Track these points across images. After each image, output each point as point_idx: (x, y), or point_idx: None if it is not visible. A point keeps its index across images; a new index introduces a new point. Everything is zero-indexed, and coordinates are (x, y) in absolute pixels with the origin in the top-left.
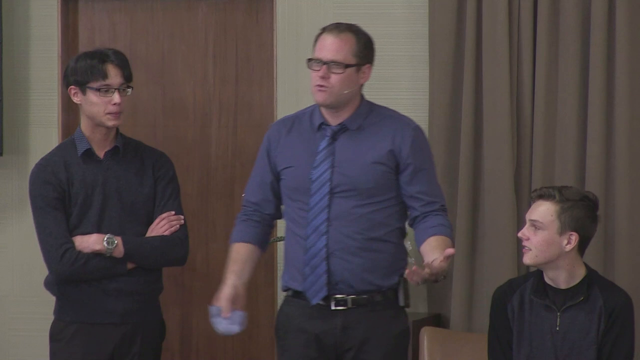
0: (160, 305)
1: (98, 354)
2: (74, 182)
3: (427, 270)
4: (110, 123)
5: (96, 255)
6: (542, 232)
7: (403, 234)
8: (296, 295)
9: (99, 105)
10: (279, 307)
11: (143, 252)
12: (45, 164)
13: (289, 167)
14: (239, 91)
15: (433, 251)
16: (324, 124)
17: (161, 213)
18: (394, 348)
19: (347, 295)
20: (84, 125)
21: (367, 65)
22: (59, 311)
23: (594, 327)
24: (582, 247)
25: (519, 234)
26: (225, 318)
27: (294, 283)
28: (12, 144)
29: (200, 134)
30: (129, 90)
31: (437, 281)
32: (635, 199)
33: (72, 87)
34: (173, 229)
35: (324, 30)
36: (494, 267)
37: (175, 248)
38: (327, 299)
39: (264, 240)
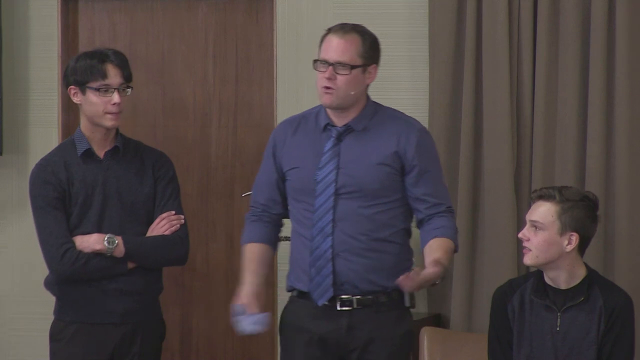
0: (160, 305)
1: (98, 354)
2: (74, 182)
3: (418, 277)
4: (109, 123)
5: (97, 254)
6: (542, 233)
7: (408, 234)
8: (301, 295)
9: (98, 105)
10: (279, 307)
11: (144, 252)
12: (45, 164)
13: (294, 168)
14: (239, 91)
15: (432, 254)
16: (329, 125)
17: (161, 213)
18: (399, 349)
19: (353, 296)
20: (84, 126)
21: (373, 66)
22: (59, 311)
23: (594, 328)
24: (582, 247)
25: (519, 235)
26: (249, 316)
27: (299, 284)
28: (12, 143)
29: (200, 134)
30: (129, 90)
31: (436, 284)
32: (635, 199)
33: (71, 87)
34: (173, 228)
35: (330, 31)
36: (494, 267)
37: (176, 247)
38: (332, 299)
39: (275, 240)
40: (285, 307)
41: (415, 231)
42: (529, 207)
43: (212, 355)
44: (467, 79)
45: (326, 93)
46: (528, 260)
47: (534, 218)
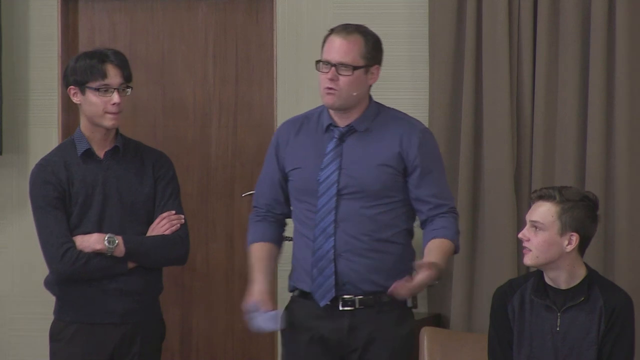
0: (160, 305)
1: (98, 354)
2: (74, 182)
3: (411, 283)
4: (109, 123)
5: (97, 254)
6: (542, 233)
7: (411, 235)
8: (303, 295)
9: (98, 105)
10: (280, 307)
11: (144, 251)
12: (45, 164)
13: (297, 168)
14: (239, 91)
15: (427, 256)
16: (332, 125)
17: (161, 212)
18: (401, 349)
19: (355, 296)
20: (84, 126)
21: (376, 66)
22: (59, 311)
23: (595, 328)
24: (582, 247)
25: (520, 235)
26: (264, 314)
27: (301, 284)
28: (12, 143)
29: (200, 134)
30: (129, 90)
31: (435, 284)
32: (635, 199)
33: (71, 87)
34: (174, 228)
35: (332, 31)
36: (494, 267)
37: (176, 247)
38: (334, 299)
39: (280, 239)
40: (287, 307)
41: (418, 231)
42: (529, 207)
43: (212, 355)
44: (467, 79)
45: (328, 94)
46: (528, 260)
47: (534, 218)
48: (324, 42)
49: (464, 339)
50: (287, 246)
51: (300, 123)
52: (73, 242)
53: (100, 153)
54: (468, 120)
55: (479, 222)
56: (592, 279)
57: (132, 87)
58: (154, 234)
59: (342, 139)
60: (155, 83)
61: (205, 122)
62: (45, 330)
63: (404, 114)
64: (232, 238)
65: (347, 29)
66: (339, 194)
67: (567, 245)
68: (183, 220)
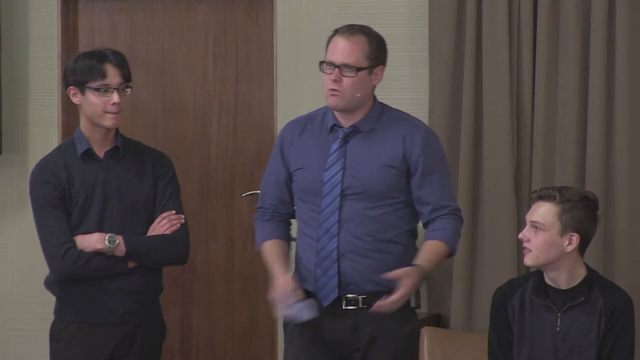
0: (161, 305)
1: (98, 354)
2: (74, 182)
3: (393, 298)
4: (109, 123)
5: (98, 254)
6: (543, 233)
7: (414, 236)
8: (307, 294)
9: (98, 105)
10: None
11: (144, 251)
12: (45, 164)
13: (301, 168)
14: (239, 91)
15: (417, 257)
16: (336, 126)
17: (162, 212)
18: (403, 349)
19: (358, 295)
20: (84, 126)
21: (380, 67)
22: (59, 311)
23: (595, 328)
24: (582, 247)
25: (520, 236)
26: (299, 303)
27: (305, 284)
28: (12, 143)
29: (200, 134)
30: (128, 90)
31: (430, 282)
32: (635, 199)
33: (71, 87)
34: (174, 227)
35: (336, 32)
36: (494, 267)
37: (177, 246)
38: (337, 298)
39: (289, 237)
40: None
41: (421, 232)
42: (529, 207)
43: (212, 355)
44: (467, 79)
45: (332, 95)
46: (528, 260)
47: (534, 219)
48: (328, 42)
49: (464, 339)
50: (291, 246)
51: (305, 123)
52: (74, 242)
53: (100, 153)
54: (468, 120)
55: (479, 222)
56: (592, 279)
57: (131, 87)
58: (154, 233)
59: (346, 140)
60: (155, 83)
61: (205, 122)
62: (45, 330)
63: (408, 114)
64: (232, 238)
65: (350, 30)
66: (342, 194)
67: (567, 246)
68: (183, 220)
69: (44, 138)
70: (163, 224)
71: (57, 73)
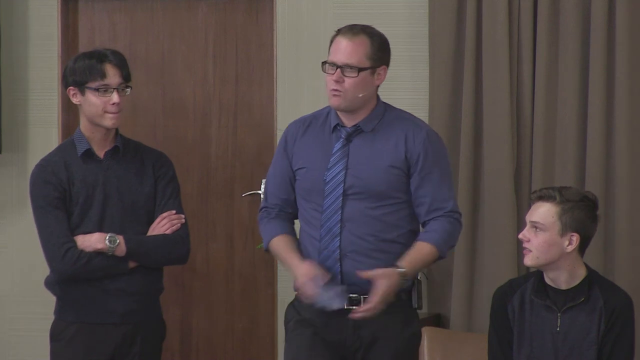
0: (161, 305)
1: (99, 354)
2: (74, 182)
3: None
4: (109, 123)
5: (98, 254)
6: (543, 234)
7: (416, 236)
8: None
9: (97, 105)
10: (280, 306)
11: (145, 251)
12: (45, 164)
13: (303, 167)
14: (239, 91)
15: (403, 258)
16: (339, 125)
17: (162, 212)
18: (404, 350)
19: (360, 295)
20: (84, 126)
21: (383, 67)
22: (59, 311)
23: (595, 328)
24: (582, 247)
25: (520, 236)
26: (329, 291)
27: None
28: (12, 142)
29: (200, 134)
30: (128, 90)
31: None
32: (635, 199)
33: (70, 87)
34: (174, 227)
35: (339, 32)
36: (494, 267)
37: (177, 246)
38: None
39: (295, 235)
40: (291, 304)
41: None
42: (529, 207)
43: (212, 355)
44: (467, 79)
45: (334, 95)
46: (528, 261)
47: (534, 219)
48: (331, 43)
49: (464, 339)
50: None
51: (309, 123)
52: (74, 242)
53: (100, 153)
54: (468, 120)
55: (479, 222)
56: (592, 279)
57: (131, 87)
58: (154, 233)
59: (348, 139)
60: (155, 83)
61: (205, 122)
62: (45, 330)
63: (410, 114)
64: (232, 238)
65: (353, 30)
66: (345, 194)
67: (567, 246)
68: (184, 220)
69: (44, 138)
70: (163, 224)
71: (57, 73)
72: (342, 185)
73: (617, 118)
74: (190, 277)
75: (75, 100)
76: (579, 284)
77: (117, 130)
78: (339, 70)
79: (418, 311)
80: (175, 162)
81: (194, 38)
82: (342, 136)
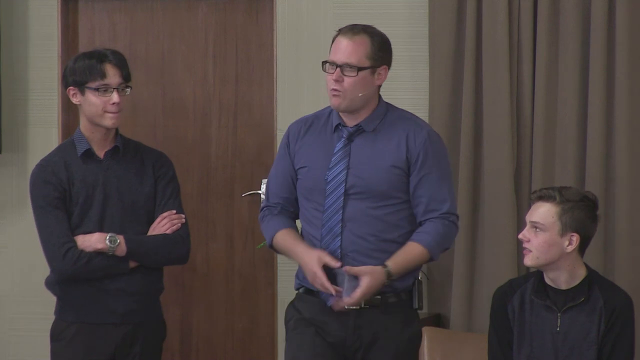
0: (161, 305)
1: (99, 354)
2: (74, 182)
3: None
4: (109, 123)
5: (98, 254)
6: (543, 234)
7: None
8: (309, 292)
9: (97, 105)
10: (279, 306)
11: (145, 251)
12: (45, 164)
13: (305, 167)
14: (239, 91)
15: (392, 258)
16: (340, 125)
17: (162, 212)
18: (404, 350)
19: None
20: (84, 126)
21: (383, 67)
22: (60, 311)
23: (595, 328)
24: (582, 247)
25: (520, 236)
26: (347, 282)
27: (308, 282)
28: (12, 142)
29: (200, 134)
30: (128, 90)
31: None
32: (635, 199)
33: (70, 87)
34: (175, 227)
35: (340, 32)
36: (494, 267)
37: (178, 246)
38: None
39: (298, 231)
40: (292, 303)
41: None
42: (529, 207)
43: (212, 355)
44: (467, 79)
45: (334, 96)
46: (528, 261)
47: (534, 219)
48: (332, 42)
49: (464, 339)
50: None
51: (311, 122)
52: (74, 242)
53: (100, 153)
54: (468, 120)
55: (479, 222)
56: (592, 279)
57: (131, 87)
58: (155, 233)
59: (350, 139)
60: (155, 83)
61: (205, 122)
62: (45, 330)
63: (412, 114)
64: (232, 238)
65: (353, 30)
66: (346, 193)
67: (567, 246)
68: (184, 220)
69: (44, 138)
70: (164, 224)
71: (57, 73)
72: (344, 185)
73: (617, 118)
74: (190, 277)
75: (75, 100)
76: (579, 284)
77: (117, 130)
78: (338, 69)
79: (419, 311)
80: (175, 162)
81: (194, 38)
82: (344, 136)
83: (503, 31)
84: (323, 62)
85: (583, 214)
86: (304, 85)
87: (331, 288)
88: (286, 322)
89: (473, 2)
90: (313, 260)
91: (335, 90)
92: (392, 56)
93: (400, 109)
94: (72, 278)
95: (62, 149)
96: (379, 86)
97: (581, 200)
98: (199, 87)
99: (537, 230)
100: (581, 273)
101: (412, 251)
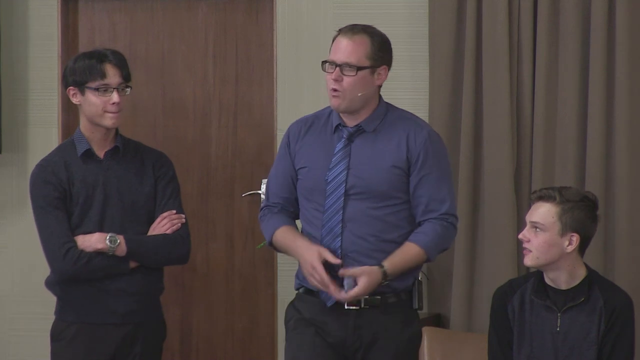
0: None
1: (99, 354)
2: (74, 182)
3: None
4: (109, 123)
5: (99, 254)
6: (543, 234)
7: None
8: (309, 292)
9: (98, 105)
10: (279, 306)
11: (146, 251)
12: (45, 164)
13: (305, 167)
14: (239, 91)
15: (388, 258)
16: (340, 125)
17: (162, 212)
18: (404, 351)
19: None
20: (84, 126)
21: (383, 67)
22: (60, 311)
23: (595, 328)
24: (582, 247)
25: (520, 236)
26: (348, 279)
27: (308, 282)
28: (12, 142)
29: (200, 134)
30: (128, 90)
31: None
32: (635, 199)
33: (70, 87)
34: (175, 227)
35: (340, 32)
36: (494, 267)
37: (178, 246)
38: None
39: (298, 228)
40: (292, 303)
41: None
42: (529, 207)
43: (212, 355)
44: (467, 79)
45: (334, 96)
46: (528, 261)
47: (534, 219)
48: (332, 42)
49: (464, 339)
50: None
51: (311, 122)
52: (74, 242)
53: (100, 153)
54: (468, 120)
55: (479, 222)
56: (592, 280)
57: (131, 87)
58: (155, 233)
59: (350, 139)
60: (155, 83)
61: (205, 122)
62: (45, 330)
63: (412, 114)
64: (232, 238)
65: (353, 30)
66: (346, 194)
67: (567, 246)
68: (184, 220)
69: (44, 138)
70: (164, 224)
71: (57, 73)
72: (344, 185)
73: (617, 118)
74: (190, 277)
75: (75, 100)
76: (579, 284)
77: (117, 130)
78: (338, 69)
79: (419, 311)
80: (175, 162)
81: (194, 38)
82: (344, 136)
83: (503, 31)
84: (323, 61)
85: (583, 214)
86: (304, 85)
87: (330, 284)
88: (286, 322)
89: (473, 2)
90: (313, 255)
91: (335, 90)
92: (392, 56)
93: (400, 109)
94: (72, 278)
95: (62, 149)
96: (379, 86)
97: (581, 200)
98: (199, 87)
99: (537, 230)
100: (581, 273)
101: (409, 251)
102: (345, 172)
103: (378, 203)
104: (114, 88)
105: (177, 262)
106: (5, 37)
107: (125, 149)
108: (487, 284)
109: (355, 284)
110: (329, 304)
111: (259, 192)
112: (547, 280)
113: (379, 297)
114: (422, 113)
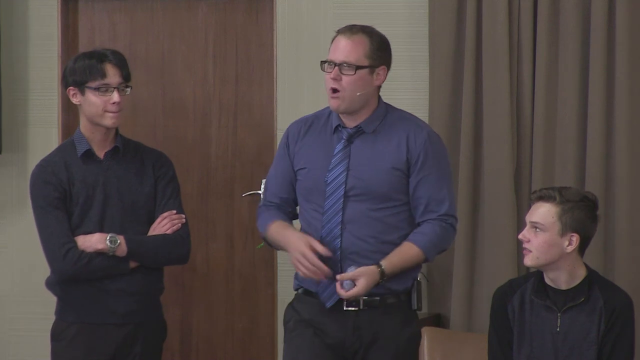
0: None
1: (99, 354)
2: (74, 182)
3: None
4: (109, 122)
5: (99, 254)
6: (543, 234)
7: None
8: (308, 293)
9: (98, 105)
10: (279, 306)
11: (146, 251)
12: (45, 164)
13: (304, 168)
14: (239, 91)
15: (386, 257)
16: (340, 126)
17: (162, 212)
18: (403, 351)
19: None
20: (84, 126)
21: (382, 67)
22: (60, 311)
23: (595, 328)
24: (582, 247)
25: (520, 236)
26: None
27: (307, 284)
28: (12, 142)
29: (200, 134)
30: (128, 89)
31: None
32: (635, 199)
33: (70, 87)
34: (175, 227)
35: (339, 32)
36: (494, 267)
37: (178, 246)
38: (340, 299)
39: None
40: (291, 304)
41: None
42: (529, 207)
43: (212, 355)
44: (467, 79)
45: (333, 97)
46: (528, 261)
47: (534, 219)
48: (331, 42)
49: (464, 339)
50: None
51: (310, 123)
52: (74, 242)
53: (100, 153)
54: (468, 120)
55: (479, 222)
56: (592, 280)
57: (131, 87)
58: (155, 233)
59: (350, 140)
60: (155, 83)
61: (205, 122)
62: (45, 330)
63: (412, 115)
64: (232, 238)
65: (352, 30)
66: (346, 195)
67: (567, 246)
68: (184, 220)
69: (44, 138)
70: (164, 224)
71: (57, 73)
72: (344, 186)
73: (617, 118)
74: (190, 277)
75: (75, 100)
76: (579, 284)
77: (117, 130)
78: (336, 68)
79: (418, 311)
80: (175, 162)
81: (194, 38)
82: (344, 137)
83: (503, 31)
84: (322, 61)
85: (583, 214)
86: (304, 85)
87: (323, 266)
88: (285, 323)
89: (473, 2)
90: (301, 243)
91: (334, 90)
92: (391, 57)
93: (400, 109)
94: (72, 278)
95: (62, 149)
96: (379, 87)
97: (581, 200)
98: (199, 87)
99: (537, 230)
100: (581, 273)
101: (407, 251)
102: (345, 173)
103: (378, 204)
104: (114, 88)
105: (177, 262)
106: (5, 37)
107: (125, 149)
108: (487, 284)
109: (354, 284)
110: (328, 305)
111: (259, 192)
112: (547, 280)
113: (378, 297)
114: (422, 113)
